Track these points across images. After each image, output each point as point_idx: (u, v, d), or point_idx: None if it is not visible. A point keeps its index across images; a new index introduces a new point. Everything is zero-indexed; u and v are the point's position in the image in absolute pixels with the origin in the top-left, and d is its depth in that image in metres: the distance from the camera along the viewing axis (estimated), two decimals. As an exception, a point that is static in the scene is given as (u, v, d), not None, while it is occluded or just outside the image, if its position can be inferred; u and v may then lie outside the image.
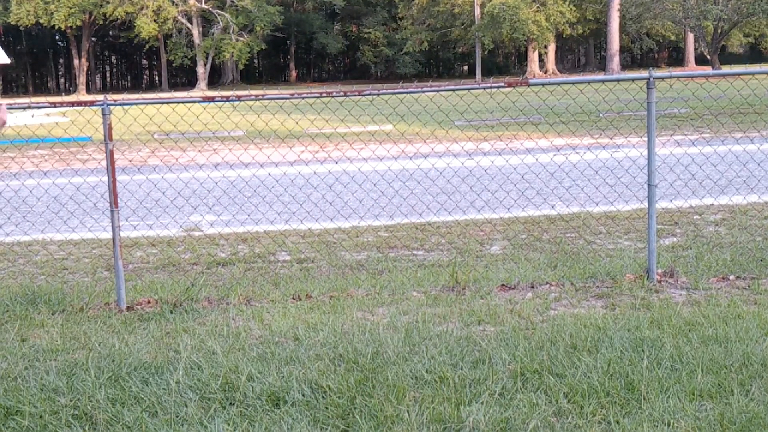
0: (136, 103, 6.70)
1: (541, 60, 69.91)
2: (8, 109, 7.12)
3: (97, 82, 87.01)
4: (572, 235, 8.39)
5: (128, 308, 6.18)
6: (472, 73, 74.40)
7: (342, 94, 6.22)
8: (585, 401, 4.15)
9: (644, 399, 4.16)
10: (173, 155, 15.49)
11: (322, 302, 6.17)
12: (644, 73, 6.51)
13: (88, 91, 74.87)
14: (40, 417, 4.20)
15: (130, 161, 14.44)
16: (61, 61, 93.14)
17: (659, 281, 6.41)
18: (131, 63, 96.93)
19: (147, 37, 69.67)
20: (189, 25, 70.86)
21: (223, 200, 10.25)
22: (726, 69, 35.96)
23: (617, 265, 6.88)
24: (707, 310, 5.58)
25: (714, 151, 10.00)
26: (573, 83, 7.18)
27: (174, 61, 73.63)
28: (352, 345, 5.07)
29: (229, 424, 4.05)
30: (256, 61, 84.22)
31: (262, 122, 8.21)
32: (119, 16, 68.25)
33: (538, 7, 64.94)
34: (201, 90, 64.31)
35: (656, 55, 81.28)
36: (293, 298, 6.33)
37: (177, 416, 4.17)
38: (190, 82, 75.29)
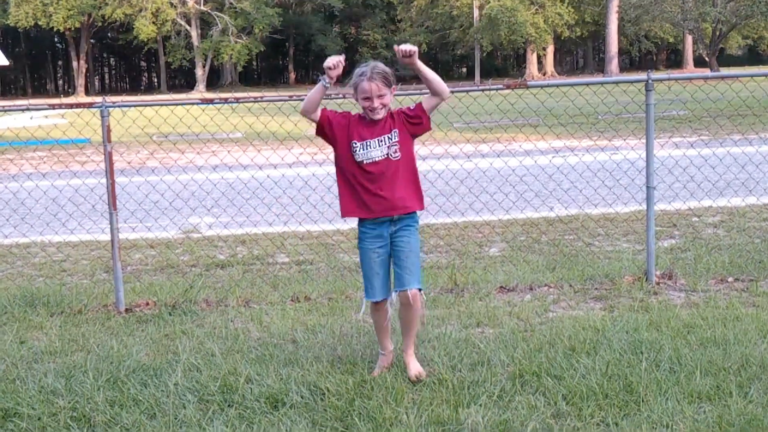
0: (134, 105, 6.70)
1: (539, 62, 69.93)
2: (7, 111, 7.12)
3: (96, 83, 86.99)
4: (571, 237, 8.40)
5: (127, 310, 6.18)
6: (470, 75, 74.51)
7: (341, 96, 6.22)
8: (583, 403, 4.15)
9: (643, 401, 4.16)
10: (171, 157, 15.47)
11: (320, 304, 6.17)
12: (643, 75, 6.52)
13: (87, 92, 74.84)
14: (39, 419, 4.20)
15: (129, 163, 14.43)
16: (60, 62, 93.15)
17: (658, 283, 6.42)
18: (130, 65, 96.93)
19: (146, 39, 69.63)
20: (188, 26, 70.85)
21: (221, 202, 10.25)
22: (724, 71, 35.99)
23: (616, 267, 6.89)
24: (706, 312, 5.59)
25: (712, 153, 10.01)
26: (571, 85, 7.18)
27: (172, 62, 73.60)
28: (351, 347, 5.07)
29: (227, 426, 4.05)
30: (254, 63, 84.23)
31: (261, 124, 8.20)
32: (118, 18, 68.20)
33: (536, 9, 64.97)
34: (199, 92, 64.31)
35: (655, 57, 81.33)
36: (292, 300, 6.33)
37: (175, 418, 4.17)
38: (189, 84, 75.29)
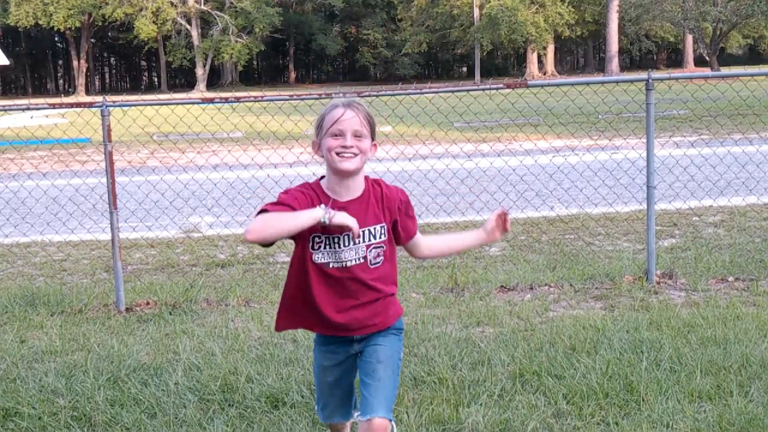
0: (135, 105, 6.71)
1: (540, 61, 69.95)
2: (8, 110, 7.12)
3: (96, 83, 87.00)
4: (571, 237, 8.39)
5: (127, 309, 6.18)
6: (471, 75, 74.48)
7: (341, 95, 6.23)
8: (584, 402, 4.15)
9: (643, 400, 4.16)
10: (172, 156, 15.48)
11: (321, 304, 6.16)
12: (643, 75, 6.52)
13: (87, 92, 74.86)
14: (39, 418, 4.20)
15: (129, 162, 14.43)
16: (60, 62, 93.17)
17: (658, 282, 6.42)
18: (130, 64, 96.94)
19: (146, 39, 69.68)
20: (188, 26, 70.87)
21: (221, 202, 10.24)
22: (725, 70, 35.95)
23: (616, 266, 6.89)
24: (706, 312, 5.59)
25: (713, 153, 10.00)
26: (572, 85, 7.18)
27: (173, 62, 73.65)
28: (351, 346, 5.07)
29: (228, 426, 4.05)
30: (255, 62, 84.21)
31: (261, 123, 8.21)
32: (118, 18, 68.25)
33: (536, 8, 64.96)
34: (200, 91, 64.32)
35: (655, 57, 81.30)
36: (292, 300, 6.32)
37: (176, 418, 4.17)
38: (189, 84, 75.31)
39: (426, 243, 3.29)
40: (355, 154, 3.00)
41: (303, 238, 3.02)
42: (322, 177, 3.11)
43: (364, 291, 3.09)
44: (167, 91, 63.64)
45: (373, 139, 3.09)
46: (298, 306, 3.14)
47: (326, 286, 3.07)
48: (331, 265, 3.05)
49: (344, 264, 3.04)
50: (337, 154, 2.98)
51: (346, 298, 3.08)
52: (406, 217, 3.17)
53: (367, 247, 3.07)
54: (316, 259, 3.04)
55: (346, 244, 3.02)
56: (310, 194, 3.03)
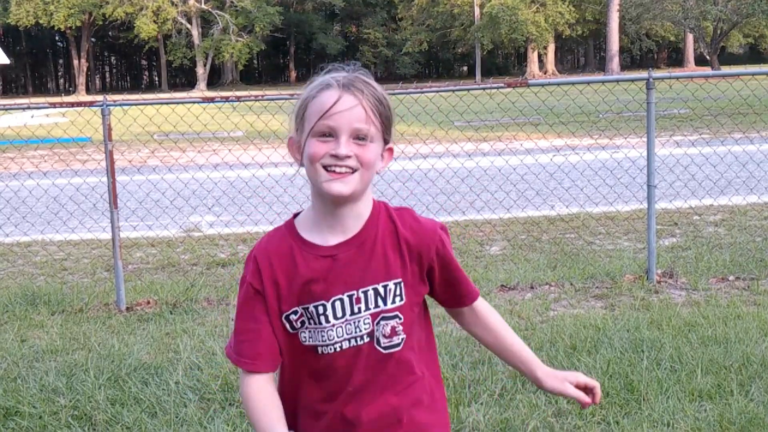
0: (135, 104, 6.70)
1: (540, 60, 69.94)
2: (8, 109, 7.13)
3: (97, 82, 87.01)
4: (572, 236, 8.39)
5: (128, 309, 6.19)
6: (471, 74, 74.44)
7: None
8: (584, 402, 4.15)
9: (644, 399, 4.16)
10: (172, 156, 15.48)
11: (321, 303, 6.16)
12: (644, 74, 6.51)
13: (88, 91, 74.88)
14: (40, 417, 4.20)
15: (130, 162, 14.42)
16: (61, 61, 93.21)
17: (659, 282, 6.42)
18: (131, 63, 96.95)
19: (146, 38, 69.71)
20: (188, 25, 70.87)
21: (222, 201, 10.24)
22: (725, 70, 35.96)
23: (617, 265, 6.88)
24: (707, 311, 5.58)
25: (713, 152, 9.99)
26: (572, 84, 7.18)
27: (173, 61, 73.67)
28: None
29: (228, 425, 4.05)
30: (255, 61, 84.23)
31: (262, 123, 8.20)
32: (119, 17, 68.29)
33: (537, 7, 64.96)
34: (200, 90, 64.32)
35: (656, 56, 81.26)
36: (293, 299, 6.32)
37: (176, 417, 4.17)
38: (190, 83, 75.31)
39: (482, 316, 2.32)
40: (354, 170, 1.89)
41: (275, 317, 1.99)
42: (296, 214, 2.14)
43: (375, 389, 2.00)
44: (168, 90, 63.65)
45: (387, 140, 1.97)
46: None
47: (317, 379, 2.01)
48: (319, 350, 1.98)
49: (336, 347, 1.97)
50: (326, 168, 1.90)
51: (341, 400, 2.01)
52: (451, 268, 2.13)
53: (374, 317, 1.97)
54: (304, 340, 1.99)
55: (338, 314, 1.95)
56: (264, 250, 2.10)
